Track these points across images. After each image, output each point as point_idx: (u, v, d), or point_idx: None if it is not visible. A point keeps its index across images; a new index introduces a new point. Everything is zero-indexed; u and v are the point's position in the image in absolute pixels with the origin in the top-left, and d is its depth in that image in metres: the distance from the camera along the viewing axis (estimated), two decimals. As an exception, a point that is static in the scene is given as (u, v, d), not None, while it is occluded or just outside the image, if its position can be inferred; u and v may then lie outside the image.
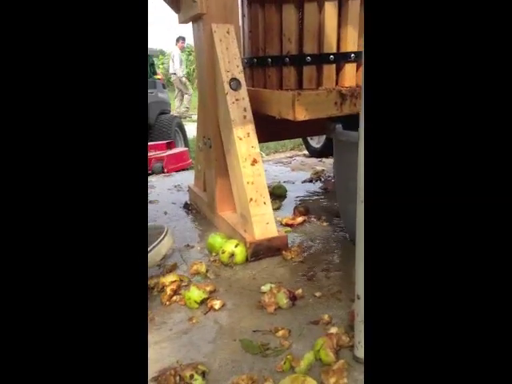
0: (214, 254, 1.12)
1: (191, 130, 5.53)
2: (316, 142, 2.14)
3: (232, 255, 1.06)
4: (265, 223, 1.10)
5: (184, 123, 5.42)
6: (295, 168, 2.10)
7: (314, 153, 1.93)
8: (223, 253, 1.06)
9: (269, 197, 1.13)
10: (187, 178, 1.93)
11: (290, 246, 1.12)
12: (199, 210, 1.50)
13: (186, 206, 1.54)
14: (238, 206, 1.20)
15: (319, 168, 2.03)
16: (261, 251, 1.07)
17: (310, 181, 1.83)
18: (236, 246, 1.06)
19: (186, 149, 4.40)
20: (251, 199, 1.10)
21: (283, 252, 1.08)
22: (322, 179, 1.85)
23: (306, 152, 2.34)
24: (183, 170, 4.10)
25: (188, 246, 1.21)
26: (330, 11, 1.08)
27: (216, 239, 1.13)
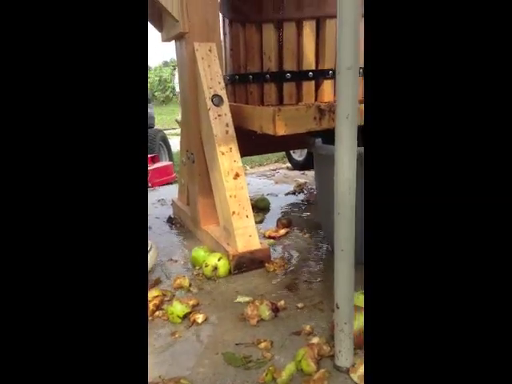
0: (197, 267, 1.13)
1: (175, 143, 5.53)
2: (298, 155, 2.18)
3: (215, 268, 1.06)
4: (247, 236, 1.12)
5: (168, 136, 5.43)
6: (278, 181, 2.13)
7: (297, 166, 1.97)
8: (206, 266, 1.07)
9: (251, 210, 1.15)
10: (171, 192, 1.94)
11: (272, 258, 1.14)
12: (183, 224, 1.51)
13: (170, 220, 1.54)
14: (221, 219, 1.21)
15: (302, 180, 2.06)
16: (244, 264, 1.09)
17: (293, 193, 1.85)
18: (219, 260, 1.07)
19: (171, 163, 4.40)
20: (234, 212, 1.12)
21: (266, 264, 1.09)
22: (305, 191, 1.88)
23: (289, 165, 2.38)
24: (168, 184, 4.09)
25: (172, 260, 1.21)
26: (308, 31, 1.13)
27: (199, 253, 1.14)
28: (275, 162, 2.52)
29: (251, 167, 3.07)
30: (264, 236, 1.33)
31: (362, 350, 0.73)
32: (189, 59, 1.18)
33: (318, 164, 1.16)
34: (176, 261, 1.20)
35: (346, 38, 0.58)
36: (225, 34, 1.31)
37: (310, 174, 2.11)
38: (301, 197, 1.80)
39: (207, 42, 1.17)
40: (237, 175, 1.15)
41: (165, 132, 5.41)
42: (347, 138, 0.60)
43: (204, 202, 1.29)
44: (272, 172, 2.32)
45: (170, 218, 1.56)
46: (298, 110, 1.06)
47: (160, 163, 4.17)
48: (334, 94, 1.20)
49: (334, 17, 1.12)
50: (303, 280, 1.03)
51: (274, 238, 1.32)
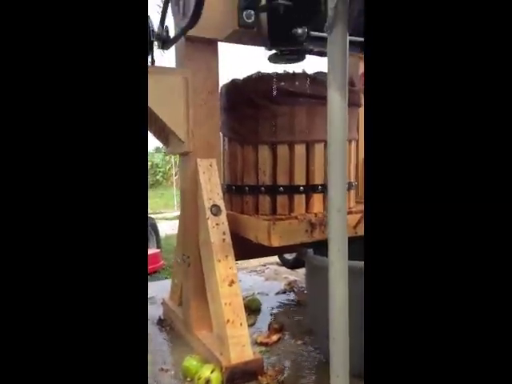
0: (189, 379, 1.10)
1: (164, 228, 5.55)
2: (289, 254, 2.24)
3: (208, 381, 1.05)
4: (241, 345, 1.12)
5: (156, 220, 5.47)
6: (269, 277, 2.16)
7: (287, 264, 2.02)
8: (199, 379, 1.05)
9: (245, 317, 1.17)
10: (161, 288, 1.93)
11: (265, 369, 1.13)
12: (173, 327, 1.49)
13: (160, 323, 1.53)
14: (215, 326, 1.22)
15: (292, 278, 2.09)
16: (236, 376, 1.07)
17: (284, 292, 1.87)
18: (212, 372, 1.06)
19: (158, 250, 4.39)
20: (228, 320, 1.14)
21: (259, 377, 1.08)
22: (295, 290, 1.90)
23: (278, 260, 2.42)
24: (155, 272, 4.03)
25: (162, 369, 1.18)
26: (299, 152, 1.27)
27: (191, 362, 1.13)
28: (265, 256, 2.57)
29: (242, 261, 3.07)
30: (256, 342, 1.33)
31: None
32: (191, 172, 1.29)
33: (309, 273, 1.22)
34: (167, 370, 1.18)
35: (336, 183, 0.68)
36: (224, 149, 1.45)
37: (300, 271, 2.15)
38: (291, 296, 1.82)
39: (208, 158, 1.30)
40: (232, 282, 1.19)
41: (153, 217, 5.47)
42: (338, 269, 0.67)
43: (197, 305, 1.31)
44: (262, 268, 2.36)
45: (159, 319, 1.55)
46: (291, 223, 1.16)
47: (148, 251, 4.16)
48: (323, 207, 1.31)
49: (321, 141, 1.28)
50: (297, 395, 1.02)
51: (266, 344, 1.32)
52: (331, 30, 0.63)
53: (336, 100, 0.67)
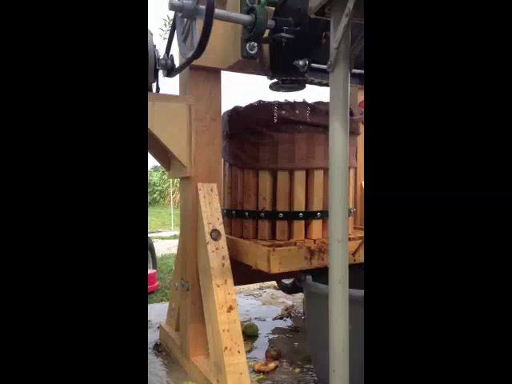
0: (185, 408, 1.08)
1: (159, 247, 5.51)
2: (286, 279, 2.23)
3: (204, 411, 1.03)
4: (238, 373, 1.11)
5: (153, 240, 5.43)
6: (266, 302, 2.14)
7: (285, 289, 2.01)
8: (196, 408, 1.03)
9: (243, 344, 1.16)
10: (157, 312, 1.91)
11: (263, 398, 1.11)
12: (170, 352, 1.47)
13: (156, 348, 1.51)
14: (212, 353, 1.20)
15: (289, 302, 2.08)
16: (234, 405, 1.06)
17: (281, 317, 1.86)
18: (209, 401, 1.04)
19: (154, 271, 4.34)
20: (226, 348, 1.12)
21: (257, 407, 1.07)
22: (293, 315, 1.88)
23: (276, 284, 2.41)
24: (150, 293, 3.97)
25: (158, 397, 1.16)
26: (299, 179, 1.30)
27: (188, 390, 1.11)
28: (263, 281, 2.56)
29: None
30: (253, 370, 1.31)
31: None
32: (192, 196, 1.31)
33: (308, 299, 1.22)
34: (162, 398, 1.16)
35: (337, 213, 0.70)
36: (225, 174, 1.47)
37: (298, 295, 2.13)
38: (289, 322, 1.81)
39: (209, 182, 1.32)
40: (230, 308, 1.18)
41: (149, 236, 5.42)
42: (339, 300, 0.68)
43: (195, 331, 1.30)
44: (259, 291, 2.34)
45: (156, 345, 1.53)
46: (291, 250, 1.16)
47: (144, 271, 4.11)
48: (322, 233, 1.32)
49: (321, 169, 1.30)
50: (295, 427, 1.00)
51: (263, 372, 1.30)
52: (333, 69, 0.66)
53: (338, 134, 0.70)
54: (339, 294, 0.68)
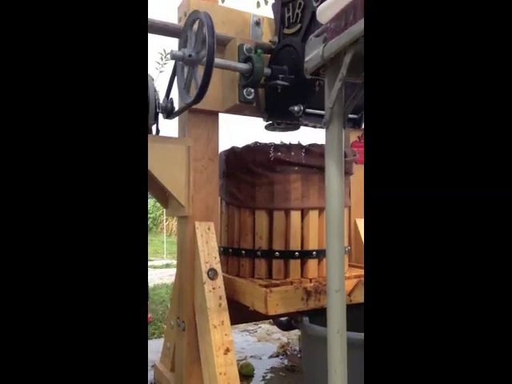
0: None
1: (152, 277, 5.42)
2: (281, 311, 2.22)
3: None
4: (235, 418, 1.09)
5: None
6: (261, 338, 2.11)
7: (280, 326, 1.99)
8: None
9: (240, 387, 1.14)
10: (151, 348, 1.87)
11: None
12: (164, 394, 1.44)
13: (151, 389, 1.47)
14: (208, 396, 1.18)
15: (285, 339, 2.05)
16: None
17: (277, 355, 1.83)
18: None
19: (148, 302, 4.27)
20: (222, 391, 1.11)
21: None
22: (288, 353, 1.86)
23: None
24: (141, 326, 3.88)
25: None
26: (295, 218, 1.32)
27: None
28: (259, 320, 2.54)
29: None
30: (250, 413, 1.29)
31: None
32: (189, 235, 1.32)
33: (305, 341, 1.22)
34: None
35: (334, 262, 0.72)
36: (222, 212, 1.50)
37: (293, 332, 2.11)
38: (285, 360, 1.78)
39: (206, 221, 1.34)
40: (227, 350, 1.17)
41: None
42: (338, 350, 0.69)
43: (191, 372, 1.28)
44: (254, 327, 2.31)
45: (150, 385, 1.50)
46: (287, 291, 1.17)
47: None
48: (318, 272, 1.34)
49: (316, 208, 1.33)
50: None
51: (260, 415, 1.27)
52: (328, 126, 0.70)
53: (334, 184, 0.73)
54: (338, 343, 0.69)
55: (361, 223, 1.72)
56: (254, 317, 1.61)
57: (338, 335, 0.69)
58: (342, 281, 0.71)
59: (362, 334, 1.03)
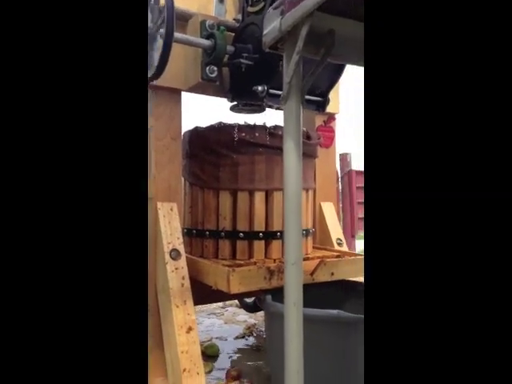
0: None
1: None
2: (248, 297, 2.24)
3: None
4: (197, 396, 1.09)
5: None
6: (228, 320, 2.13)
7: (247, 307, 2.02)
8: None
9: (202, 365, 1.15)
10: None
11: (222, 421, 1.10)
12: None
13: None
14: (171, 375, 1.19)
15: (251, 321, 2.08)
16: (192, 431, 1.04)
17: (243, 336, 1.86)
18: (166, 427, 1.02)
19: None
20: (184, 370, 1.11)
21: (215, 430, 1.06)
22: (254, 334, 1.89)
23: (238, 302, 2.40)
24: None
25: (113, 426, 1.12)
26: (259, 199, 1.32)
27: (145, 417, 1.08)
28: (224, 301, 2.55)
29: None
30: (213, 391, 1.30)
31: None
32: (152, 216, 1.30)
33: (267, 319, 1.24)
34: (117, 427, 1.12)
35: (291, 235, 0.73)
36: (185, 193, 1.48)
37: (260, 313, 2.14)
38: (251, 341, 1.81)
39: (169, 201, 1.32)
40: (190, 329, 1.17)
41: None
42: (294, 322, 0.70)
43: (155, 353, 1.27)
44: (221, 310, 2.33)
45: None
46: (250, 270, 1.18)
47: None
48: (282, 253, 1.35)
49: (280, 190, 1.34)
50: None
51: (223, 393, 1.29)
52: (286, 101, 0.70)
53: (292, 160, 0.73)
54: (294, 315, 0.70)
55: (326, 206, 1.75)
56: (219, 297, 1.62)
57: (294, 307, 0.70)
58: (299, 254, 0.72)
59: (323, 310, 1.06)
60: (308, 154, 1.39)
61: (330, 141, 1.67)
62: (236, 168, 1.30)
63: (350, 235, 3.65)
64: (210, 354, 1.60)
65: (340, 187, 3.82)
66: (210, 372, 1.46)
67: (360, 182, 3.86)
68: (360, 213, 3.84)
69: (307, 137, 1.40)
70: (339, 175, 3.79)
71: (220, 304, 2.43)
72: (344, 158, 3.89)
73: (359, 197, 3.84)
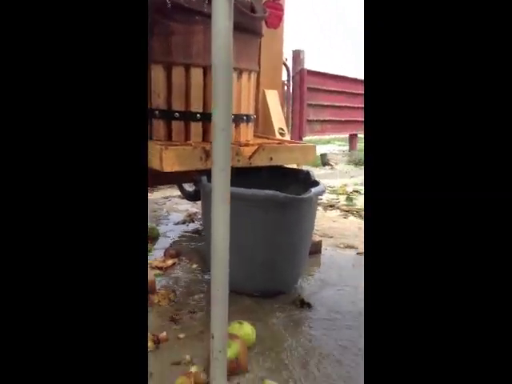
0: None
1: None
2: (189, 185, 2.24)
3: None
4: (133, 269, 1.13)
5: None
6: (169, 209, 2.16)
7: (188, 196, 2.03)
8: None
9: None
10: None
11: (158, 289, 1.17)
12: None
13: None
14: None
15: (193, 210, 2.12)
16: (128, 298, 1.09)
17: (184, 222, 1.90)
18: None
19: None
20: (119, 246, 1.12)
21: (150, 296, 1.12)
22: (195, 221, 1.94)
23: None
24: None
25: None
26: (196, 75, 1.22)
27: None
28: (168, 188, 2.54)
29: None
30: (150, 266, 1.35)
31: (236, 376, 0.82)
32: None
33: (203, 199, 1.25)
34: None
35: (220, 106, 0.68)
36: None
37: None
38: (192, 226, 1.86)
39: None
40: (123, 208, 1.16)
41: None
42: (221, 187, 0.70)
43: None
44: (164, 200, 2.34)
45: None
46: (185, 149, 1.14)
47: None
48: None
49: (220, 67, 1.24)
50: (187, 311, 1.08)
51: (160, 268, 1.35)
52: None
53: (220, 27, 0.65)
54: (221, 181, 0.69)
55: (270, 94, 1.69)
56: (158, 180, 1.60)
57: (222, 173, 0.69)
58: (228, 121, 0.68)
59: (255, 190, 1.08)
60: (250, 30, 1.28)
61: (277, 20, 1.53)
62: (169, 38, 1.17)
63: (297, 137, 3.65)
64: (150, 237, 1.63)
65: (291, 88, 3.68)
66: (149, 252, 1.51)
67: (312, 83, 3.74)
68: (310, 115, 3.80)
69: (251, 10, 1.27)
70: (291, 74, 3.62)
71: (162, 194, 2.44)
72: (297, 55, 3.67)
73: (310, 98, 3.75)
